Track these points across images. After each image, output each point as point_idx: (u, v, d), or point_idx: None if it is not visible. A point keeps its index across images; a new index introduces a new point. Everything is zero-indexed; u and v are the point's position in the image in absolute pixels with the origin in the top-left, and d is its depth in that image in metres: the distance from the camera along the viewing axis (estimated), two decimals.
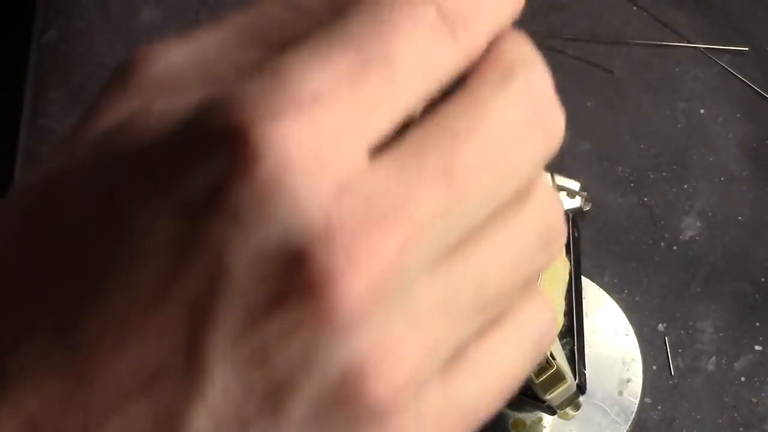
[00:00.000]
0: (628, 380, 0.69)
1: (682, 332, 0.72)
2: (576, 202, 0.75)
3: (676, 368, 0.71)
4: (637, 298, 0.73)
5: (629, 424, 0.68)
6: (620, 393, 0.68)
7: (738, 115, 0.78)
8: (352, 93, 0.21)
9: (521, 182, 0.24)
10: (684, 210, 0.75)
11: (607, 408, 0.68)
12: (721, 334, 0.71)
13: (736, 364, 0.71)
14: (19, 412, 0.21)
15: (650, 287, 0.73)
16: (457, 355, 0.23)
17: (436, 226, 0.21)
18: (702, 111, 0.78)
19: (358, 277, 0.20)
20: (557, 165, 0.77)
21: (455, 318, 0.22)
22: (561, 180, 0.75)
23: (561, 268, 0.52)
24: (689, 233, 0.74)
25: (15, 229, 0.22)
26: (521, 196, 0.24)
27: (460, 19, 0.24)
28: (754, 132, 0.77)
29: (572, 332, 0.57)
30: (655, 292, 0.73)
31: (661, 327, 0.72)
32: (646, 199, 0.76)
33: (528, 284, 0.24)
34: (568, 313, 0.57)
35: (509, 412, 0.67)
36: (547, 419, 0.67)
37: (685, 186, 0.76)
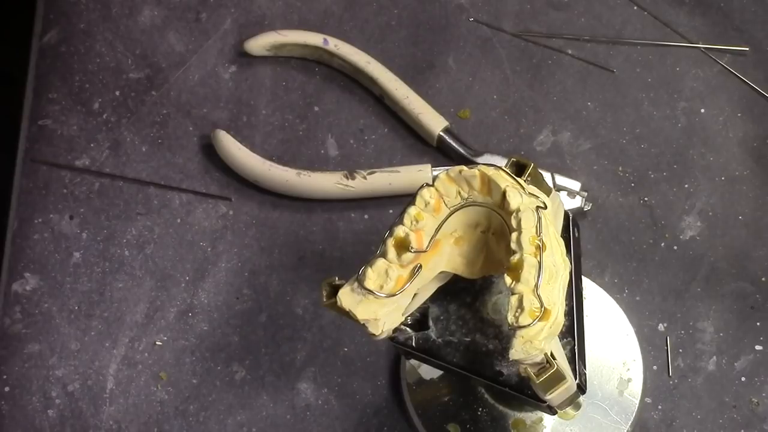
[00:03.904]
0: (629, 380, 0.69)
1: (683, 332, 0.72)
2: (576, 202, 0.75)
3: (676, 368, 0.71)
4: (638, 298, 0.73)
5: (630, 424, 0.68)
6: (621, 393, 0.68)
7: (738, 115, 0.78)
8: None
9: None
10: (684, 210, 0.75)
11: (607, 408, 0.68)
12: (721, 334, 0.71)
13: (736, 364, 0.71)
14: None
15: (651, 287, 0.73)
16: None
17: None
18: (702, 111, 0.78)
19: None
20: (558, 165, 0.77)
21: None
22: (561, 180, 0.75)
23: (561, 267, 0.52)
24: (690, 233, 0.74)
25: None
26: None
27: None
28: (754, 131, 0.77)
29: (572, 332, 0.57)
30: (656, 292, 0.73)
31: (661, 327, 0.72)
32: (646, 198, 0.76)
33: None
34: (568, 313, 0.57)
35: (509, 412, 0.67)
36: (548, 419, 0.67)
37: (686, 186, 0.76)
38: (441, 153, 0.77)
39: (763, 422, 0.69)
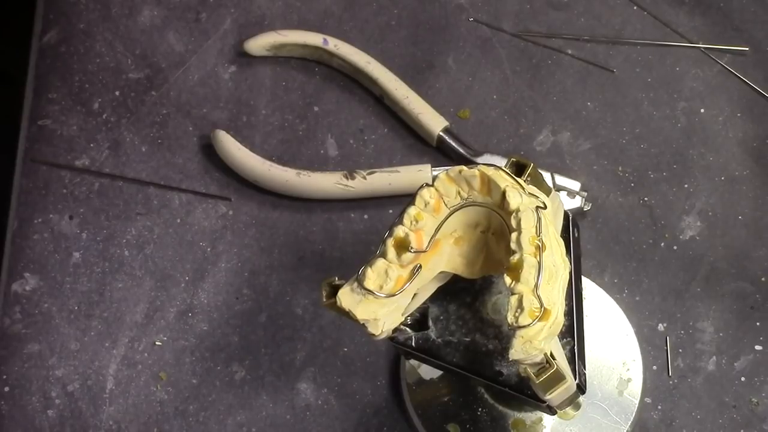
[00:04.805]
0: (629, 380, 0.69)
1: (683, 332, 0.72)
2: (576, 202, 0.75)
3: (676, 368, 0.71)
4: (637, 298, 0.73)
5: (629, 424, 0.68)
6: (620, 393, 0.68)
7: (738, 115, 0.78)
8: None
9: None
10: (684, 210, 0.75)
11: (607, 408, 0.68)
12: (721, 334, 0.71)
13: (736, 364, 0.71)
14: None
15: (650, 287, 0.73)
16: None
17: None
18: (702, 110, 0.78)
19: None
20: (557, 165, 0.77)
21: None
22: (561, 180, 0.75)
23: (561, 267, 0.52)
24: (689, 233, 0.74)
25: None
26: None
27: None
28: (754, 131, 0.77)
29: (572, 332, 0.57)
30: (656, 292, 0.73)
31: (661, 327, 0.72)
32: (646, 198, 0.76)
33: None
34: (568, 313, 0.57)
35: (509, 412, 0.67)
36: (548, 419, 0.67)
37: (686, 186, 0.76)
38: (441, 153, 0.77)
39: (763, 422, 0.69)
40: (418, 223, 0.53)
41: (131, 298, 0.74)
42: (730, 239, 0.74)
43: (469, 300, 0.58)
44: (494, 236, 0.55)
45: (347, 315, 0.53)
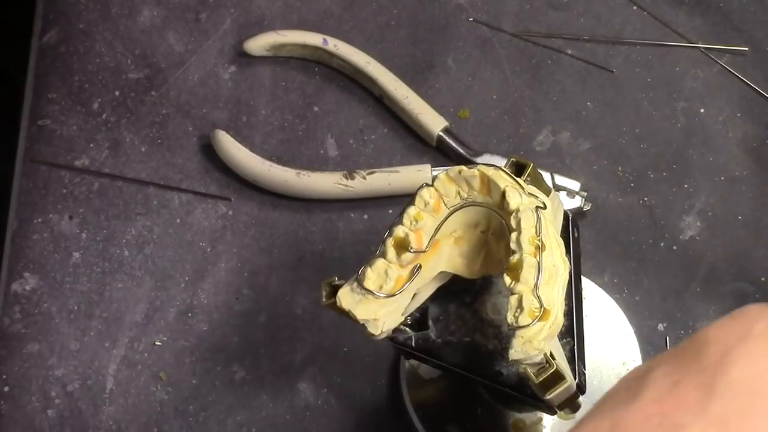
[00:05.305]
0: None
1: (682, 332, 0.72)
2: (576, 202, 0.75)
3: None
4: (637, 298, 0.73)
5: None
6: None
7: (738, 115, 0.78)
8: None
9: None
10: (684, 210, 0.75)
11: None
12: None
13: None
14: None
15: (650, 287, 0.73)
16: None
17: None
18: (702, 111, 0.78)
19: None
20: (557, 165, 0.77)
21: None
22: (561, 180, 0.75)
23: (561, 268, 0.52)
24: (689, 233, 0.74)
25: None
26: None
27: None
28: (754, 131, 0.77)
29: (572, 332, 0.57)
30: (656, 292, 0.73)
31: (661, 327, 0.72)
32: (646, 199, 0.76)
33: None
34: (568, 313, 0.57)
35: (509, 412, 0.67)
36: (547, 419, 0.67)
37: (685, 186, 0.76)
38: (440, 153, 0.77)
39: None
40: (418, 223, 0.53)
41: (131, 298, 0.74)
42: (730, 239, 0.74)
43: (469, 300, 0.58)
44: (494, 236, 0.55)
45: (347, 315, 0.53)
